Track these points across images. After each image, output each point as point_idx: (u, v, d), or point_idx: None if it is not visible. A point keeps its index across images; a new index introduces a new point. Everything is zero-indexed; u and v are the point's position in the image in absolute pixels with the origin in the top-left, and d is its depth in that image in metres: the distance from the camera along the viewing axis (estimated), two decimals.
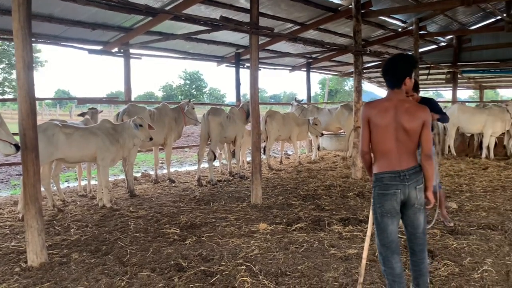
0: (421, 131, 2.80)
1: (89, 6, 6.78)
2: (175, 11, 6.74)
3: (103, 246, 4.66)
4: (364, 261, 3.32)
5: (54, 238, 4.95)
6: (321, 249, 4.50)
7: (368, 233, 3.34)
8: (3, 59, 43.62)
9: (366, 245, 3.34)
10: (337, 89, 60.96)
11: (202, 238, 4.91)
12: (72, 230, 5.31)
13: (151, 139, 6.82)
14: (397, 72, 2.84)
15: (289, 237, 4.90)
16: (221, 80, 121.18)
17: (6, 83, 44.64)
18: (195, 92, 59.59)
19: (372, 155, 2.95)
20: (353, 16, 8.75)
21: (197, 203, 6.79)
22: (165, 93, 59.52)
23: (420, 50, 12.89)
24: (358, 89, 8.78)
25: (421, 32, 11.85)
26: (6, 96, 42.57)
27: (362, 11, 8.88)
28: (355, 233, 5.02)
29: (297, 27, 10.14)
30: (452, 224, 5.24)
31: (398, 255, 2.97)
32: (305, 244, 4.63)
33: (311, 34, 10.86)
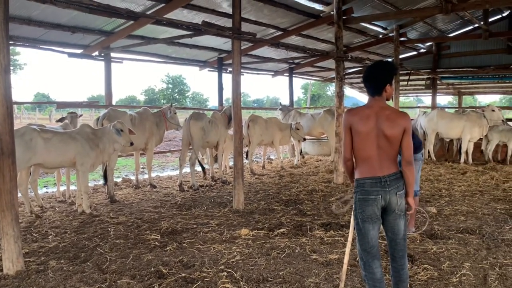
0: (402, 137, 2.83)
1: (69, 9, 6.65)
2: (156, 16, 6.69)
3: (82, 253, 4.58)
4: (345, 266, 3.34)
5: (31, 245, 4.84)
6: (302, 255, 4.51)
7: (349, 239, 3.36)
8: None
9: (347, 250, 3.36)
10: (319, 94, 61.51)
11: (183, 244, 4.86)
12: (50, 237, 5.20)
13: (131, 144, 6.74)
14: (377, 79, 2.87)
15: (271, 243, 4.89)
16: (204, 84, 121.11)
17: None
18: (177, 96, 59.31)
19: (354, 161, 2.97)
20: (335, 22, 8.84)
21: (179, 208, 6.74)
22: (147, 97, 59.09)
23: (401, 56, 13.10)
24: (340, 95, 8.87)
25: (402, 39, 12.05)
26: None
27: (344, 17, 9.00)
28: (336, 238, 5.05)
29: (280, 32, 10.20)
30: (413, 232, 5.14)
31: (378, 260, 2.99)
32: (287, 250, 4.64)
33: (293, 39, 10.93)
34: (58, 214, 6.39)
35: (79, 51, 8.90)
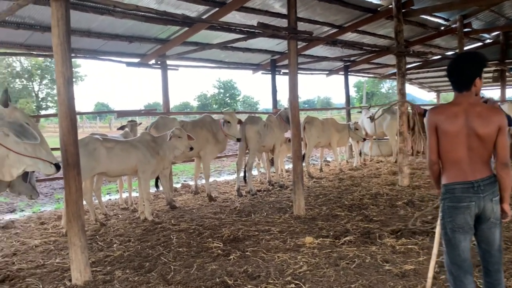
0: (496, 137, 2.49)
1: (126, 19, 6.79)
2: (212, 20, 6.60)
3: (146, 262, 4.54)
4: (429, 282, 3.01)
5: (97, 254, 4.89)
6: (374, 265, 4.20)
7: (434, 250, 3.03)
8: (46, 75, 45.55)
9: (432, 263, 3.04)
10: (373, 91, 59.86)
11: (246, 253, 4.70)
12: (115, 245, 5.24)
13: (191, 149, 6.70)
14: (466, 72, 2.55)
15: (338, 252, 4.62)
16: (255, 87, 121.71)
17: (49, 98, 46.57)
18: (229, 101, 60.00)
19: (440, 164, 2.66)
20: (394, 16, 8.40)
21: (238, 214, 6.62)
22: (200, 103, 60.24)
23: (465, 48, 12.26)
24: (402, 92, 8.39)
25: (466, 30, 11.27)
26: (49, 111, 44.41)
27: (403, 10, 8.52)
28: (409, 246, 4.68)
29: (335, 30, 9.85)
30: None
31: (471, 275, 2.65)
32: (356, 260, 4.34)
33: (349, 36, 10.53)
34: (121, 221, 6.48)
35: (136, 60, 9.07)
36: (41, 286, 4.02)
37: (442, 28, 11.76)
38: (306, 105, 68.53)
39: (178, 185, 9.51)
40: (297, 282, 3.82)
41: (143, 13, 6.88)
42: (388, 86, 61.85)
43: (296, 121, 6.30)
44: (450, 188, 2.60)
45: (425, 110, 5.72)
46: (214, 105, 58.27)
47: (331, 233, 5.30)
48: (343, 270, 4.09)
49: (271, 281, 3.86)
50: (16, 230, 6.23)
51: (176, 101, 62.90)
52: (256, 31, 5.79)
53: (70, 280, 4.07)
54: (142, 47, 8.84)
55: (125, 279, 4.09)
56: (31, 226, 6.45)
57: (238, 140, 7.70)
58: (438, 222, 2.82)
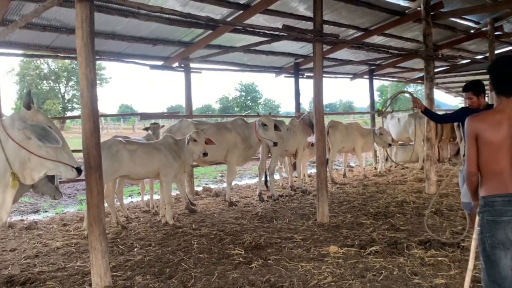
0: None
1: (150, 21, 6.79)
2: (237, 22, 6.51)
3: (167, 268, 4.46)
4: None
5: (117, 258, 4.84)
6: (402, 278, 4.01)
7: (470, 266, 2.85)
8: (72, 77, 46.51)
9: (468, 280, 2.85)
10: (391, 96, 58.89)
11: (269, 261, 4.57)
12: (135, 249, 5.19)
13: (205, 154, 6.51)
14: None
15: (364, 263, 4.44)
16: (276, 90, 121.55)
17: (75, 100, 47.53)
18: (250, 104, 60.03)
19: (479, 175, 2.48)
20: (423, 19, 8.17)
21: (260, 220, 6.49)
22: (221, 105, 60.41)
23: (496, 52, 11.85)
24: (430, 97, 8.15)
25: (497, 33, 10.89)
26: (74, 112, 45.32)
27: (432, 13, 8.28)
28: (439, 258, 4.46)
29: (360, 33, 9.66)
30: None
31: None
32: (383, 271, 4.15)
33: (375, 40, 10.31)
34: (142, 224, 6.44)
35: (159, 63, 9.08)
36: None
37: (472, 31, 11.40)
38: (328, 109, 67.81)
39: (200, 188, 9.45)
40: None
41: (167, 16, 6.90)
42: (412, 90, 60.90)
43: (321, 126, 6.14)
44: (489, 201, 2.42)
45: (426, 108, 5.63)
46: (235, 108, 58.37)
47: (357, 243, 5.12)
48: (369, 282, 3.92)
49: None
50: (39, 231, 6.27)
51: (198, 103, 63.20)
52: (281, 33, 5.66)
53: (90, 285, 4.02)
54: (165, 50, 8.85)
55: (145, 285, 4.01)
56: (53, 227, 6.48)
57: (275, 144, 7.30)
58: (475, 236, 2.64)
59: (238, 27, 7.59)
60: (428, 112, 5.63)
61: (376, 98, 59.45)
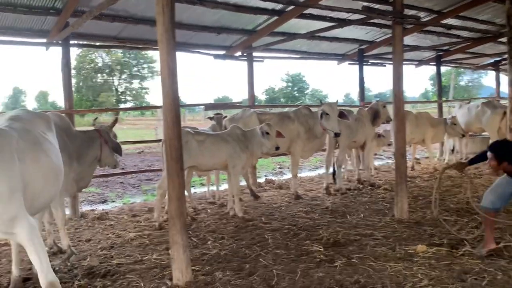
0: None
1: (217, 8, 6.59)
2: (313, 3, 6.10)
3: (246, 264, 4.27)
4: None
5: (193, 252, 4.71)
6: (509, 283, 3.59)
7: None
8: (125, 70, 47.93)
9: None
10: (450, 85, 56.05)
11: (352, 260, 4.27)
12: (209, 242, 5.06)
13: (277, 148, 6.28)
14: None
15: (460, 264, 4.04)
16: (323, 80, 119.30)
17: (128, 92, 49.01)
18: (297, 94, 59.32)
19: None
20: None
21: (332, 215, 6.19)
22: (267, 96, 60.08)
23: None
24: None
25: None
26: (127, 104, 46.73)
27: None
28: None
29: (433, 15, 9.00)
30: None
31: None
32: (485, 275, 3.75)
33: (448, 22, 9.60)
34: (211, 216, 6.33)
35: (221, 52, 8.92)
36: (142, 284, 3.90)
37: None
38: (378, 99, 65.71)
39: (262, 180, 9.27)
40: None
41: (234, 2, 6.70)
42: (467, 79, 57.74)
43: (401, 115, 5.72)
44: None
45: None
46: (282, 99, 57.89)
47: (445, 241, 4.70)
48: (472, 287, 3.54)
49: None
50: (110, 222, 6.30)
51: (244, 94, 63.27)
52: (363, 14, 5.27)
53: (170, 279, 3.91)
54: (227, 39, 8.68)
55: (227, 281, 3.85)
56: (124, 218, 6.50)
57: (336, 135, 6.92)
58: None
59: (305, 12, 7.26)
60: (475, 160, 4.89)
61: (429, 87, 56.96)
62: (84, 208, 7.46)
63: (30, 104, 58.98)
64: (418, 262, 4.16)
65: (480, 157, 4.73)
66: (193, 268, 4.12)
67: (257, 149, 6.29)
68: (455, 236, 4.87)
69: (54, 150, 3.57)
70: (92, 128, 5.53)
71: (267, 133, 6.14)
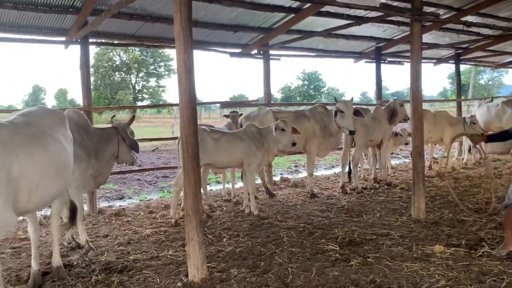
0: None
1: (234, 6, 6.61)
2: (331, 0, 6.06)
3: (261, 261, 4.28)
4: None
5: (208, 249, 4.73)
6: None
7: None
8: (142, 68, 48.40)
9: None
10: (470, 83, 55.11)
11: (368, 260, 4.24)
12: (224, 239, 5.08)
13: (294, 144, 6.26)
14: None
15: (479, 266, 3.97)
16: (339, 78, 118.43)
17: (145, 90, 49.49)
18: (313, 93, 59.04)
19: None
20: None
21: (348, 214, 6.16)
22: (283, 95, 59.92)
23: None
24: None
25: None
26: (144, 102, 47.17)
27: None
28: None
29: (453, 12, 8.85)
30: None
31: None
32: (504, 277, 3.68)
33: (469, 19, 9.43)
34: (226, 214, 6.35)
35: (237, 50, 8.93)
36: (158, 280, 3.94)
37: None
38: (395, 97, 64.93)
39: (277, 178, 9.26)
40: None
41: (250, 0, 6.70)
42: (487, 77, 56.74)
43: (419, 114, 5.65)
44: None
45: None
46: (298, 97, 57.69)
47: (463, 242, 4.64)
48: None
49: None
50: (127, 218, 6.38)
51: (260, 92, 63.21)
52: (379, 12, 5.22)
53: (186, 276, 3.94)
54: (244, 37, 8.68)
55: (242, 279, 3.86)
56: (140, 214, 6.57)
57: (351, 133, 6.88)
58: None
59: (322, 10, 7.21)
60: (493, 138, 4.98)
61: (448, 85, 56.11)
62: (102, 204, 7.57)
63: (50, 101, 60.12)
64: (436, 262, 4.10)
65: (499, 136, 4.75)
66: (208, 265, 4.15)
67: (273, 146, 6.28)
68: (473, 236, 4.80)
69: (57, 145, 3.60)
70: (110, 125, 5.61)
71: (283, 130, 6.12)
